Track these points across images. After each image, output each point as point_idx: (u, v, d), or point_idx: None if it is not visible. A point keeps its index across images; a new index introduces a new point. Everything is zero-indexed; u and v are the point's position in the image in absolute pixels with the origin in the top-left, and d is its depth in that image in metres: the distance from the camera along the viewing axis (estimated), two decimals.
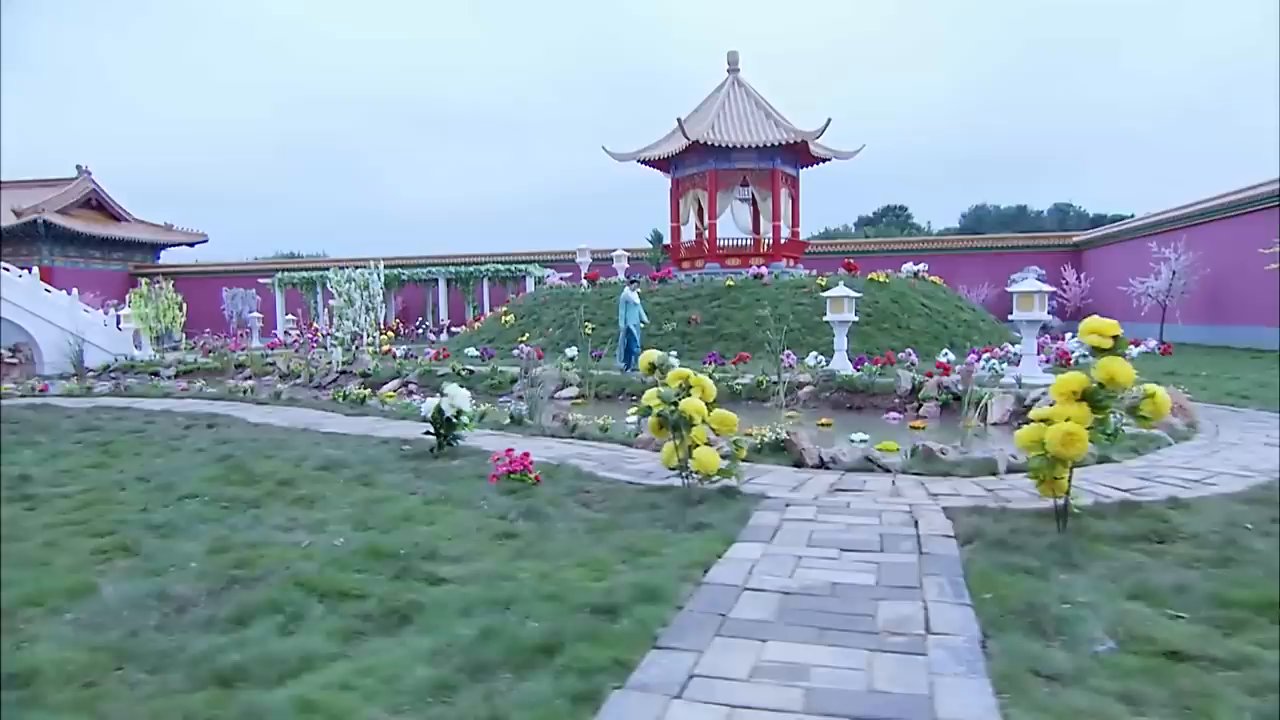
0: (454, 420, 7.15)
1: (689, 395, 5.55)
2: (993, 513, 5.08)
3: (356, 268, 20.26)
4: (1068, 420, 4.42)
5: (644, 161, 25.04)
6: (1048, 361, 16.90)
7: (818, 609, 3.50)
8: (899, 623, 3.32)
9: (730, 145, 22.89)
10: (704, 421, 5.46)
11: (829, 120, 22.39)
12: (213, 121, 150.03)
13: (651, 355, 5.83)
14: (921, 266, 22.59)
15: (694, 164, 24.08)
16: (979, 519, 4.94)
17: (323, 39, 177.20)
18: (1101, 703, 2.65)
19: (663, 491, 5.73)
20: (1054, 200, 69.11)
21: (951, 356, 16.75)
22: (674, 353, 17.63)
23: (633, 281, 17.08)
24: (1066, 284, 29.12)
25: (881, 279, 20.70)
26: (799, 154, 24.09)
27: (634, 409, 12.91)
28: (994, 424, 11.28)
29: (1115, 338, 4.46)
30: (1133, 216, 32.24)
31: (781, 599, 3.63)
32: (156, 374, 21.78)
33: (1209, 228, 23.65)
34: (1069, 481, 4.66)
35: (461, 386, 15.90)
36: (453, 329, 30.62)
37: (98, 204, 37.53)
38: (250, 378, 19.69)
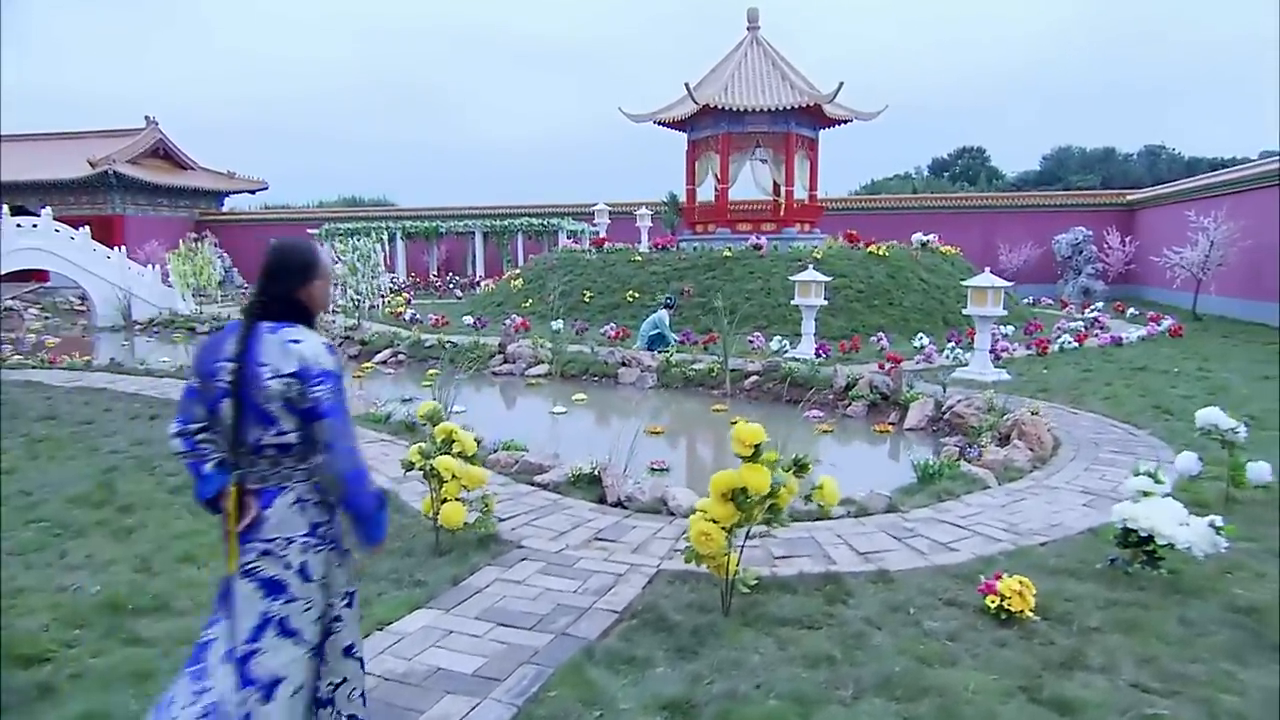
0: None
1: (449, 451, 6.06)
2: (695, 580, 5.45)
3: (364, 228, 21.15)
4: (712, 520, 4.75)
5: (660, 123, 24.98)
6: (1030, 350, 16.48)
7: (385, 701, 4.01)
8: None
9: (742, 109, 22.65)
10: (455, 477, 5.96)
11: (841, 84, 21.87)
12: (293, 59, 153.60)
13: (426, 406, 6.33)
14: (930, 237, 22.07)
15: (708, 127, 23.94)
16: (674, 588, 5.34)
17: None
18: None
19: (436, 534, 6.28)
20: (1145, 142, 65.00)
21: (925, 341, 16.56)
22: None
23: (669, 305, 17.06)
24: (1109, 248, 27.83)
25: (880, 251, 20.39)
26: (815, 116, 23.64)
27: (579, 395, 13.41)
28: (910, 430, 11.25)
29: (757, 447, 4.71)
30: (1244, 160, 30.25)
31: (370, 685, 4.17)
32: (193, 329, 23.51)
33: (1256, 195, 22.22)
34: (734, 564, 5.00)
35: (446, 359, 16.60)
36: (484, 283, 31.49)
37: (165, 153, 39.66)
38: None
